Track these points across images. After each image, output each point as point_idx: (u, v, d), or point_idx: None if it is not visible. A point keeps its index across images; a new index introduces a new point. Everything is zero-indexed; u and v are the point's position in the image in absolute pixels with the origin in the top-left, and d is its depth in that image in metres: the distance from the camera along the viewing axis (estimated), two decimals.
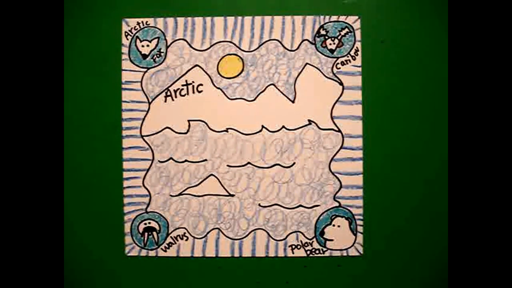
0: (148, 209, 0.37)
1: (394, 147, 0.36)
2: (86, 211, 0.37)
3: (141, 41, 0.37)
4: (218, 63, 0.37)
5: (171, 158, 0.37)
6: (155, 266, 0.37)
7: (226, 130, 0.36)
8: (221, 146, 0.36)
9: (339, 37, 0.36)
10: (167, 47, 0.37)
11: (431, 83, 0.36)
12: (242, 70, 0.37)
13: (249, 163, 0.36)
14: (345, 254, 0.36)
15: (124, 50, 0.37)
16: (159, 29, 0.37)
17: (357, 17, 0.36)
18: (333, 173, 0.36)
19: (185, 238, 0.37)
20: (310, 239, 0.36)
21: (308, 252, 0.36)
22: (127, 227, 0.37)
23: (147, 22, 0.37)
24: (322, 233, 0.36)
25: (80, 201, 0.37)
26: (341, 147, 0.36)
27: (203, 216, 0.37)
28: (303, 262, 0.37)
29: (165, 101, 0.37)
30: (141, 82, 0.37)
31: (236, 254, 0.37)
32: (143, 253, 0.37)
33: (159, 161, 0.37)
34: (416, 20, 0.36)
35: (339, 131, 0.36)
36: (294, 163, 0.36)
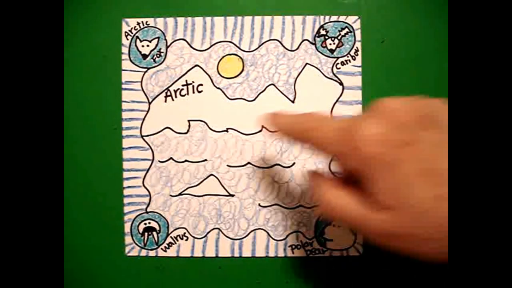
0: (148, 209, 0.37)
1: None
2: (86, 211, 0.37)
3: (141, 41, 0.37)
4: (218, 63, 0.37)
5: (171, 158, 0.37)
6: (155, 266, 0.37)
7: (226, 130, 0.36)
8: (221, 146, 0.36)
9: (339, 37, 0.36)
10: (167, 47, 0.37)
11: (431, 83, 0.36)
12: (242, 70, 0.37)
13: (249, 163, 0.36)
14: (345, 254, 0.36)
15: (124, 50, 0.37)
16: (159, 29, 0.37)
17: (357, 17, 0.36)
18: (333, 173, 0.36)
19: (185, 238, 0.37)
20: (310, 239, 0.36)
21: (308, 252, 0.36)
22: (127, 227, 0.37)
23: (147, 22, 0.37)
24: (322, 233, 0.36)
25: (80, 201, 0.37)
26: None
27: (203, 216, 0.37)
28: (303, 262, 0.37)
29: (165, 101, 0.37)
30: (141, 82, 0.37)
31: (236, 254, 0.37)
32: (143, 253, 0.37)
33: (159, 161, 0.37)
34: (416, 20, 0.36)
35: None
36: (294, 163, 0.36)
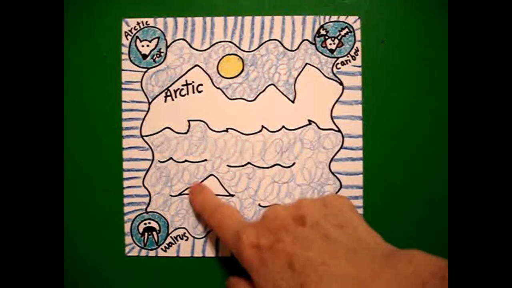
0: (148, 209, 0.37)
1: (394, 147, 0.36)
2: (86, 211, 0.37)
3: (141, 41, 0.37)
4: (218, 63, 0.37)
5: (171, 158, 0.37)
6: (155, 266, 0.37)
7: (226, 130, 0.36)
8: (221, 146, 0.36)
9: (339, 37, 0.36)
10: (167, 47, 0.37)
11: (431, 83, 0.36)
12: (242, 70, 0.37)
13: (249, 163, 0.36)
14: None
15: (124, 50, 0.37)
16: (159, 29, 0.37)
17: (357, 17, 0.36)
18: (333, 173, 0.36)
19: (185, 238, 0.37)
20: None
21: None
22: (127, 227, 0.37)
23: (147, 22, 0.37)
24: None
25: (80, 201, 0.37)
26: (341, 147, 0.36)
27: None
28: None
29: (165, 101, 0.37)
30: (141, 82, 0.37)
31: None
32: (143, 253, 0.37)
33: (159, 161, 0.37)
34: (416, 20, 0.36)
35: (339, 131, 0.36)
36: (294, 163, 0.36)
